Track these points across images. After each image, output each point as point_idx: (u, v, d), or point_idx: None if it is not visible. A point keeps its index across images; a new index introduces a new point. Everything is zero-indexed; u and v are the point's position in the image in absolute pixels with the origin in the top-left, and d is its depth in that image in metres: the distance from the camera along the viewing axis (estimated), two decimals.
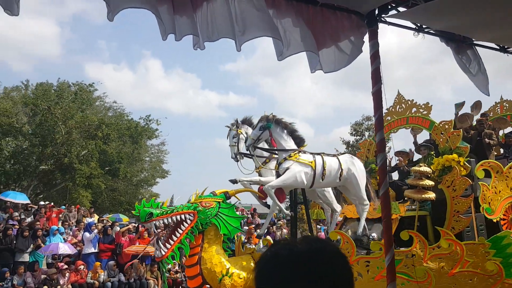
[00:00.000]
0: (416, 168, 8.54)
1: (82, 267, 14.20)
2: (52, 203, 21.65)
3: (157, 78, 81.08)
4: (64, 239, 15.76)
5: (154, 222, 7.41)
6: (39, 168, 33.09)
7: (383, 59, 4.73)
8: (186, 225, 7.58)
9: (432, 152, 9.68)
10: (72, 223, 18.38)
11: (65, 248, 14.75)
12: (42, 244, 14.51)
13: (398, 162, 10.59)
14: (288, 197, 9.18)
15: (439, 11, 4.75)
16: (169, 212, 7.50)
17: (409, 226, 8.92)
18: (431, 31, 5.66)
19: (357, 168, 8.63)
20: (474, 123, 11.25)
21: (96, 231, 15.22)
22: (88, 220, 18.62)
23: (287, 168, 8.09)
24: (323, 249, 1.43)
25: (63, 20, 72.67)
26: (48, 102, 32.96)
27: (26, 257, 14.21)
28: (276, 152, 8.42)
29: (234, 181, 8.32)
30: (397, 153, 10.62)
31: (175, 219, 7.51)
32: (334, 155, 8.75)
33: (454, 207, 8.71)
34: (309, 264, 1.38)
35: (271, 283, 1.40)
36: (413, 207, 9.53)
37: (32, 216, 17.54)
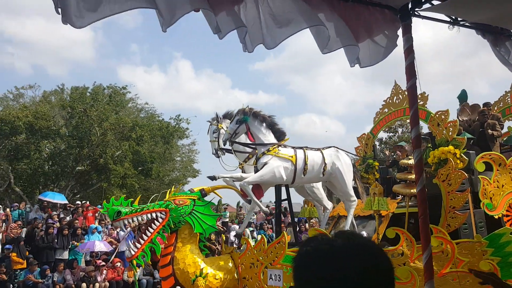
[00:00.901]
0: (404, 161, 7.85)
1: (118, 264, 14.22)
2: (88, 202, 21.77)
3: (187, 79, 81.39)
4: (101, 237, 15.81)
5: (123, 221, 7.03)
6: (76, 169, 33.56)
7: (416, 54, 4.51)
8: (157, 223, 7.16)
9: (430, 145, 8.92)
10: (108, 221, 18.35)
11: (101, 246, 14.74)
12: (76, 243, 14.66)
13: (395, 156, 9.86)
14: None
15: (475, 3, 4.53)
16: (139, 210, 7.10)
17: (403, 223, 8.25)
18: (467, 24, 5.23)
19: (342, 162, 7.98)
20: None
21: (129, 229, 15.11)
22: None
23: (265, 163, 7.56)
24: (363, 244, 1.39)
25: (96, 25, 73.53)
26: (84, 105, 33.41)
27: (65, 255, 14.30)
28: (255, 147, 7.88)
29: (213, 178, 7.85)
30: (395, 147, 9.91)
31: (145, 218, 7.11)
32: (318, 149, 8.14)
33: (450, 202, 7.96)
34: (350, 258, 1.33)
35: (311, 278, 1.35)
36: (410, 203, 8.83)
37: (70, 215, 17.69)
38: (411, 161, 7.74)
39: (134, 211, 7.07)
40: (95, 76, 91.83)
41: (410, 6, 4.38)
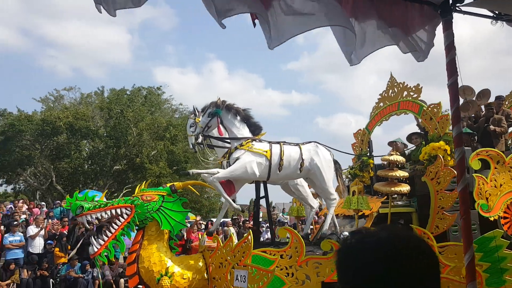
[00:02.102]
0: (386, 157, 7.16)
1: None
2: None
3: (221, 80, 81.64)
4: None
5: (86, 216, 6.68)
6: (114, 168, 34.01)
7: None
8: (122, 220, 6.78)
9: (423, 141, 8.19)
10: None
11: None
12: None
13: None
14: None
15: None
16: (102, 206, 6.74)
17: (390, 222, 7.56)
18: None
19: (321, 158, 7.35)
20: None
21: None
22: None
23: (237, 158, 7.05)
24: (408, 236, 1.34)
25: (133, 28, 75.32)
26: (121, 106, 33.86)
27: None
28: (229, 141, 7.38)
29: (187, 174, 7.41)
30: (390, 144, 9.17)
31: (109, 214, 6.75)
32: (297, 144, 7.56)
33: (438, 202, 7.22)
34: (398, 249, 1.27)
35: (358, 269, 1.28)
36: (399, 202, 8.11)
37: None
38: (393, 157, 7.07)
39: (97, 206, 6.71)
40: (132, 78, 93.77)
41: (451, 1, 4.13)
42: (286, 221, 22.16)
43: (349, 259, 1.32)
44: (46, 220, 14.42)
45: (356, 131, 9.59)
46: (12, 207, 17.88)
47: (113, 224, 6.75)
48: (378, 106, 9.08)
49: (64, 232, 13.75)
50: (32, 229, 13.21)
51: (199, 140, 7.45)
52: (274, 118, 78.82)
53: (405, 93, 8.45)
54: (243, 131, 7.27)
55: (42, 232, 13.30)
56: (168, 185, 7.34)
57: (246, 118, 7.38)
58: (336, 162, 7.78)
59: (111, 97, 34.95)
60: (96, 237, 6.80)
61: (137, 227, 6.98)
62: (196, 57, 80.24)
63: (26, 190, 36.37)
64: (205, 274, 7.01)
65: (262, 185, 7.57)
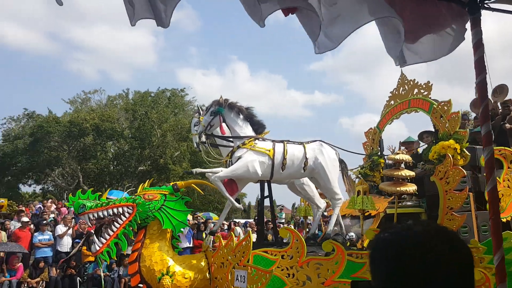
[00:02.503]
0: (391, 156, 6.94)
1: None
2: None
3: (243, 81, 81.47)
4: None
5: (88, 215, 6.67)
6: (138, 169, 34.35)
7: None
8: (123, 218, 6.75)
9: (434, 140, 7.92)
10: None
11: None
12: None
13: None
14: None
15: None
16: (104, 204, 6.72)
17: (398, 223, 7.34)
18: None
19: (325, 157, 7.16)
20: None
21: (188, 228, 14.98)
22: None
23: (239, 157, 6.94)
24: (442, 230, 1.32)
25: (157, 29, 75.93)
26: (145, 108, 34.22)
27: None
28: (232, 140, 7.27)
29: (190, 173, 7.33)
30: (402, 144, 8.92)
31: (111, 212, 6.72)
32: (301, 143, 7.40)
33: (447, 202, 6.95)
34: (433, 242, 1.25)
35: (393, 261, 1.25)
36: (409, 203, 7.88)
37: None
38: (399, 156, 6.85)
39: (99, 205, 6.71)
40: (156, 80, 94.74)
41: None
42: (282, 221, 22.04)
43: (383, 253, 1.30)
44: (73, 219, 14.62)
45: (367, 130, 9.36)
46: (41, 206, 18.25)
47: (115, 223, 6.72)
48: (389, 104, 8.84)
49: (91, 231, 13.95)
50: (60, 228, 13.45)
51: (203, 139, 7.38)
52: (297, 118, 78.32)
53: (416, 90, 8.20)
54: (246, 130, 7.16)
55: (70, 231, 13.50)
56: (171, 184, 7.28)
57: (249, 117, 7.27)
58: (342, 161, 7.59)
59: (135, 99, 35.36)
60: (99, 235, 6.79)
61: (139, 226, 6.94)
62: (219, 58, 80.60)
63: (54, 190, 37.07)
64: (207, 274, 6.92)
65: (266, 184, 7.43)
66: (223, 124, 7.16)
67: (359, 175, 8.86)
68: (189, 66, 76.44)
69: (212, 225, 13.84)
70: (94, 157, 33.66)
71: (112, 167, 34.89)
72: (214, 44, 79.83)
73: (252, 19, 3.11)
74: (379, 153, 8.76)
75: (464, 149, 7.22)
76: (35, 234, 13.07)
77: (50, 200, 20.50)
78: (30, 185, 36.22)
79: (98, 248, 6.60)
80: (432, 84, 7.91)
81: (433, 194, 7.31)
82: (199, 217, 18.29)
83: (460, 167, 6.89)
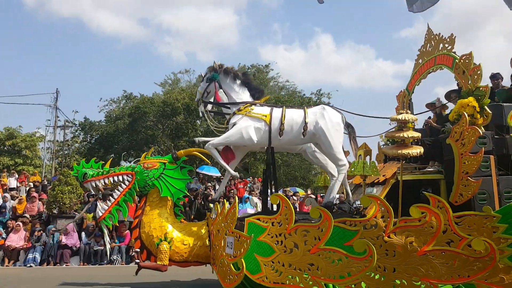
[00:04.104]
0: (394, 116, 6.31)
1: None
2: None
3: (328, 53, 78.24)
4: (253, 206, 16.19)
5: (91, 183, 6.93)
6: None
7: None
8: (124, 186, 6.92)
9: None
10: (257, 193, 19.02)
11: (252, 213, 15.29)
12: None
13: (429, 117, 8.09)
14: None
15: None
16: (104, 173, 6.93)
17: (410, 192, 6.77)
18: None
19: (327, 121, 6.66)
20: None
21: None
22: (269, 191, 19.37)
23: (234, 124, 6.76)
24: None
25: (240, 8, 76.01)
26: None
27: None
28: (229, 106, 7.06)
29: (192, 142, 7.30)
30: (428, 106, 8.09)
31: (112, 180, 6.92)
32: (302, 107, 7.01)
33: (463, 167, 6.25)
34: None
35: None
36: (430, 169, 7.19)
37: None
38: (401, 116, 6.23)
39: (100, 173, 6.93)
40: (240, 58, 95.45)
41: None
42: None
43: None
44: None
45: (399, 93, 8.64)
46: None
47: (116, 191, 6.92)
48: (418, 63, 8.07)
49: (186, 202, 14.68)
50: None
51: (208, 107, 7.29)
52: (386, 90, 74.25)
53: (441, 46, 7.40)
54: (243, 96, 6.93)
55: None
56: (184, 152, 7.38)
57: (246, 82, 7.02)
58: (349, 125, 7.07)
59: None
60: (102, 202, 7.05)
61: (141, 194, 7.09)
62: (302, 32, 78.72)
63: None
64: (207, 241, 6.89)
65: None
66: (220, 90, 7.00)
67: (388, 141, 8.24)
68: (272, 43, 76.03)
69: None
70: (185, 135, 34.94)
71: (201, 144, 35.99)
72: (297, 18, 78.42)
73: None
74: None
75: (486, 107, 6.42)
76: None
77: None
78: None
79: (100, 214, 6.85)
80: (455, 37, 7.08)
81: (452, 158, 6.61)
82: (287, 191, 19.06)
83: (475, 127, 6.13)
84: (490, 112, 6.37)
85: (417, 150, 6.13)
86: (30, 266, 11.11)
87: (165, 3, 72.52)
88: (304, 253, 5.79)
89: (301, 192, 26.76)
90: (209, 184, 18.65)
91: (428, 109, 8.04)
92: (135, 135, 34.67)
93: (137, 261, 6.86)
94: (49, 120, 40.61)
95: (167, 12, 73.80)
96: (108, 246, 7.29)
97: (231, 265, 6.12)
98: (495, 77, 7.52)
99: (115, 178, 6.91)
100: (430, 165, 7.22)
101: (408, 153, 6.06)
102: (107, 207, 6.87)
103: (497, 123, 6.56)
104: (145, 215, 6.91)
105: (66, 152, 42.37)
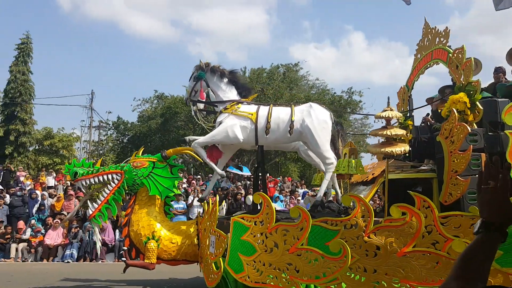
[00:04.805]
0: (378, 114, 6.14)
1: None
2: (268, 174, 22.81)
3: (359, 51, 76.30)
4: (283, 205, 16.43)
5: (81, 182, 7.05)
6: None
7: None
8: (113, 185, 7.00)
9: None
10: (287, 192, 19.13)
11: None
12: None
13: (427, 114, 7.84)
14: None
15: None
16: (94, 172, 7.04)
17: (398, 190, 6.60)
18: None
19: (313, 118, 6.54)
20: None
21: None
22: (299, 190, 19.85)
23: (220, 122, 6.74)
24: None
25: (270, 7, 75.57)
26: (261, 84, 34.72)
27: None
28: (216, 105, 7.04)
29: (183, 141, 7.32)
30: (428, 100, 7.83)
31: (101, 179, 7.01)
32: (289, 105, 6.92)
33: (452, 165, 6.03)
34: None
35: None
36: (425, 167, 6.97)
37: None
38: (386, 114, 6.07)
39: (90, 172, 7.04)
40: (270, 57, 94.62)
41: None
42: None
43: None
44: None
45: (399, 89, 8.42)
46: None
47: (105, 189, 7.02)
48: (417, 58, 7.84)
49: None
50: (191, 199, 14.76)
51: (200, 106, 7.31)
52: (419, 87, 72.14)
53: (437, 40, 7.16)
54: (230, 94, 6.89)
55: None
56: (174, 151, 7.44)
57: (233, 80, 6.98)
58: (338, 123, 6.94)
59: (252, 76, 36.02)
60: (92, 201, 7.16)
61: (131, 192, 7.17)
62: (333, 30, 77.42)
63: (184, 164, 39.75)
64: (195, 240, 6.91)
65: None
66: (203, 90, 6.99)
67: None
68: (302, 41, 75.25)
69: None
70: None
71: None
72: (327, 16, 77.32)
73: None
74: (405, 113, 7.85)
75: (477, 103, 6.18)
76: (172, 203, 14.15)
77: (181, 174, 22.12)
78: None
79: (91, 212, 6.96)
80: (449, 30, 6.83)
81: (443, 157, 6.38)
82: (316, 190, 18.78)
83: (464, 124, 5.91)
84: (482, 108, 6.12)
85: (402, 148, 5.97)
86: (68, 262, 11.60)
87: (196, 4, 73.51)
88: (283, 253, 5.73)
89: (333, 192, 26.52)
90: (239, 183, 18.84)
91: (427, 104, 7.80)
92: (167, 135, 35.14)
93: (123, 259, 6.93)
94: (83, 120, 41.53)
95: (198, 12, 74.70)
96: (98, 244, 7.37)
97: (213, 264, 6.12)
98: (497, 71, 7.21)
99: (104, 177, 7.01)
100: (425, 163, 7.00)
101: (392, 151, 5.89)
102: (97, 205, 6.97)
103: (491, 120, 6.28)
104: (134, 214, 6.98)
105: (100, 151, 43.38)
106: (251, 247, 5.96)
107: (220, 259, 5.88)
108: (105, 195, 6.99)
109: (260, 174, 7.21)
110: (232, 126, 6.61)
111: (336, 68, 70.32)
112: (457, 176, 5.94)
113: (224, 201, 14.68)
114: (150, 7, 73.19)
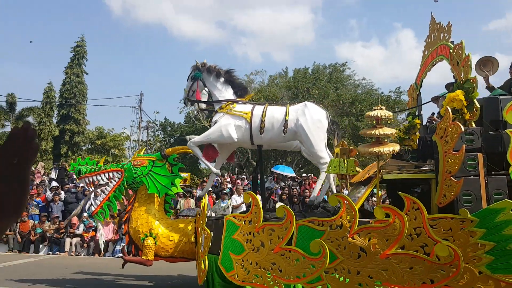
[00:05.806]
0: (368, 113, 6.00)
1: None
2: (312, 175, 22.81)
3: (409, 49, 73.28)
4: None
5: (85, 179, 7.31)
6: None
7: None
8: (114, 182, 7.22)
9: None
10: (309, 191, 19.18)
11: None
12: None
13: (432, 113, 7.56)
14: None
15: None
16: (96, 169, 7.28)
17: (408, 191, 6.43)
18: None
19: (307, 118, 6.47)
20: None
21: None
22: (344, 191, 19.56)
23: (215, 122, 6.80)
24: None
25: (316, 6, 74.40)
26: (307, 84, 34.59)
27: None
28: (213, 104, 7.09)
29: (184, 140, 7.44)
30: (433, 99, 7.55)
31: (103, 177, 7.25)
32: (284, 104, 6.88)
33: (446, 166, 5.83)
34: None
35: None
36: (425, 167, 6.77)
37: (298, 186, 19.12)
38: (375, 113, 5.93)
39: (92, 170, 7.28)
40: (315, 57, 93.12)
41: None
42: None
43: None
44: (244, 190, 15.99)
45: (409, 87, 8.18)
46: (219, 179, 20.34)
47: (107, 187, 7.24)
48: (424, 55, 7.60)
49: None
50: (235, 198, 14.91)
51: (202, 106, 7.41)
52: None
53: (442, 35, 6.92)
54: (225, 93, 6.94)
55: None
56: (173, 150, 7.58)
57: (230, 80, 7.02)
58: (334, 123, 6.84)
59: (297, 76, 35.91)
60: (95, 198, 7.42)
61: (133, 190, 7.37)
62: (381, 28, 75.09)
63: (226, 165, 40.14)
64: (192, 238, 7.01)
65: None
66: (199, 90, 7.08)
67: (397, 140, 7.85)
68: (348, 40, 73.72)
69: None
70: None
71: None
72: (375, 13, 75.24)
73: None
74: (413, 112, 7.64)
75: (475, 101, 5.94)
76: (216, 201, 14.76)
77: (226, 174, 22.49)
78: None
79: (93, 209, 7.22)
80: (451, 26, 6.59)
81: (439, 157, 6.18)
82: None
83: (457, 123, 5.69)
84: (479, 106, 5.87)
85: (391, 148, 5.82)
86: (118, 257, 11.98)
87: (241, 5, 74.25)
88: (268, 252, 5.73)
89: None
90: (283, 183, 18.87)
91: (431, 101, 7.55)
92: None
93: (121, 255, 7.13)
94: (133, 121, 42.76)
95: (243, 13, 75.30)
96: (102, 239, 7.62)
97: (202, 262, 6.20)
98: None
99: (106, 175, 7.24)
100: (428, 163, 6.79)
101: (380, 151, 5.76)
102: (99, 202, 7.22)
103: (492, 118, 6.00)
104: (133, 211, 7.17)
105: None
106: (240, 246, 6.00)
107: (206, 257, 5.96)
108: (107, 192, 7.22)
109: (256, 172, 7.22)
110: (226, 126, 6.67)
111: (384, 67, 68.63)
112: (451, 177, 5.74)
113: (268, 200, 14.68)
114: (197, 10, 74.69)
